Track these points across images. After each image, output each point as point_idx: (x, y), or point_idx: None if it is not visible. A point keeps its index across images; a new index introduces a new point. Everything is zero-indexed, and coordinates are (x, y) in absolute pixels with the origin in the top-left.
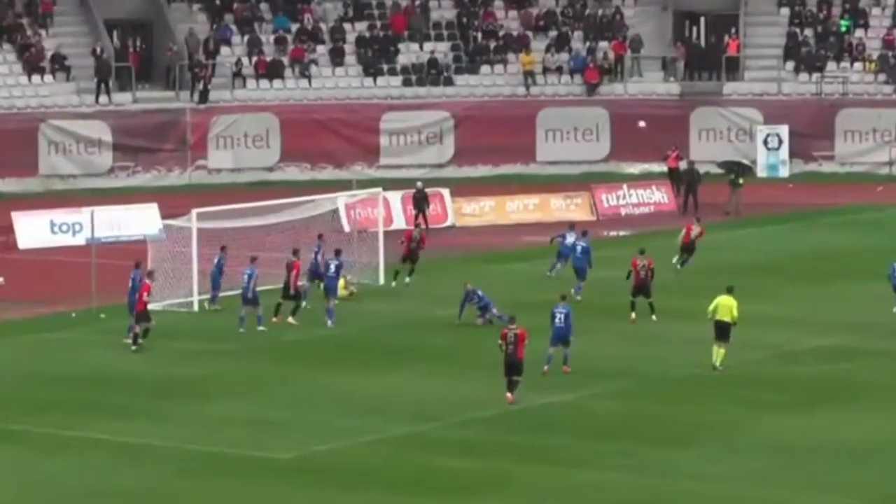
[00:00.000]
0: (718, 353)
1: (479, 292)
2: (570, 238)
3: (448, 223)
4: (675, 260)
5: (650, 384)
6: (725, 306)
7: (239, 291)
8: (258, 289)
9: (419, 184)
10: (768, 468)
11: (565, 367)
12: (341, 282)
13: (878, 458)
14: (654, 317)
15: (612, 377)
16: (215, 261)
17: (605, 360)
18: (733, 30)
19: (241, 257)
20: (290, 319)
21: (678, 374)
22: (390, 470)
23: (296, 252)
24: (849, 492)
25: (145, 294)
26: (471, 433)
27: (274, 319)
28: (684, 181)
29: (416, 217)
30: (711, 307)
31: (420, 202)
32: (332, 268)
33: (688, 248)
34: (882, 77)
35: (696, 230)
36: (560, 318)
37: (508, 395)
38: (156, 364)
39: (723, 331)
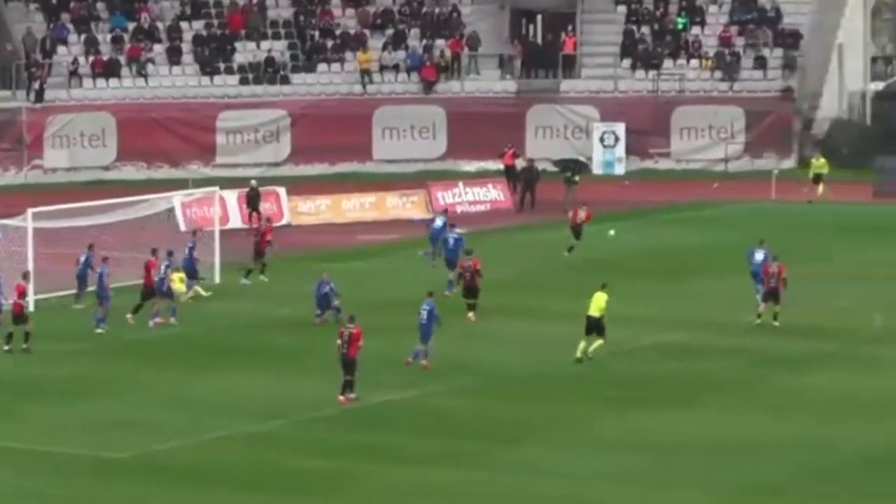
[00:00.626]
0: (593, 344)
1: (332, 284)
2: (440, 221)
3: (284, 222)
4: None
5: (492, 382)
6: (595, 302)
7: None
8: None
9: (253, 182)
10: (621, 464)
11: (410, 360)
12: (197, 288)
13: (723, 453)
14: (470, 314)
15: (453, 375)
16: (82, 259)
17: (444, 358)
18: (570, 27)
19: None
20: (129, 316)
21: (520, 371)
22: (234, 469)
23: (154, 251)
24: (697, 486)
25: (17, 295)
26: (316, 432)
27: (128, 315)
28: (521, 179)
29: (250, 216)
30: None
31: (254, 200)
32: (162, 269)
33: (576, 232)
34: (718, 74)
35: (582, 214)
36: (423, 315)
37: (340, 397)
38: None
39: (592, 324)
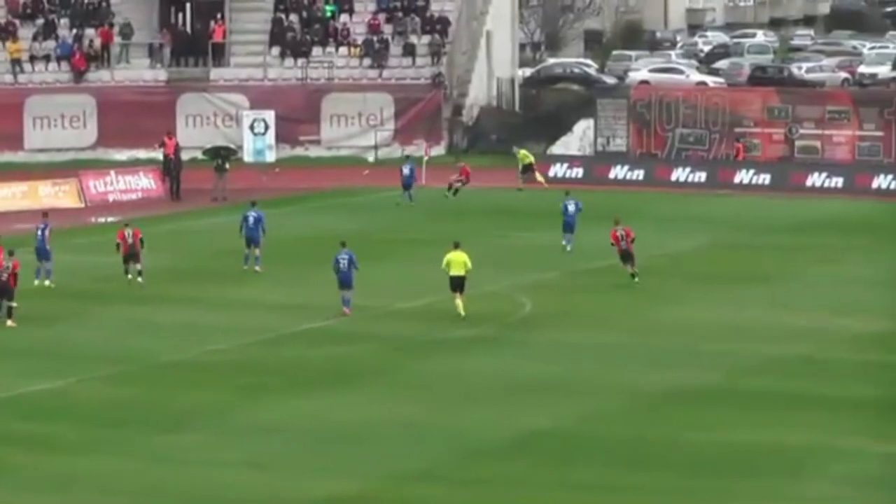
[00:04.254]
0: (459, 303)
1: None
2: (406, 170)
3: None
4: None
5: (140, 370)
6: (458, 261)
7: None
8: None
9: None
10: (267, 452)
11: (345, 308)
12: None
13: (374, 439)
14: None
15: (101, 363)
16: None
17: (92, 346)
18: (219, 16)
19: None
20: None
21: (168, 359)
22: None
23: None
24: (347, 473)
25: None
26: None
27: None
28: (173, 168)
29: None
30: (444, 263)
31: None
32: None
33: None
34: (367, 61)
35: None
36: (343, 264)
37: None
38: None
39: (458, 284)
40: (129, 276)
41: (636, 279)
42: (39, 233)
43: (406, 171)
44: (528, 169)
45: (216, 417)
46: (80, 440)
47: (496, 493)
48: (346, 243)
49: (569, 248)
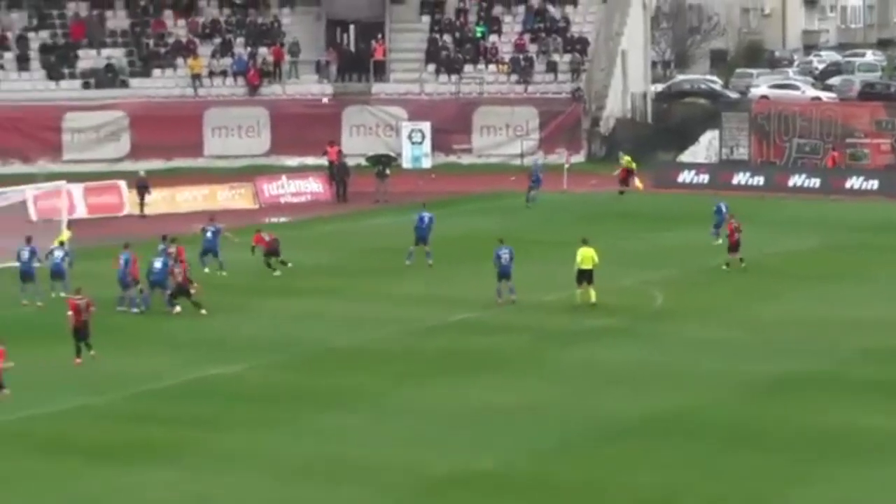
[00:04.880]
0: (587, 293)
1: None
2: (538, 168)
3: (125, 212)
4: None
5: (303, 357)
6: (587, 256)
7: None
8: None
9: (142, 173)
10: (417, 431)
11: (512, 296)
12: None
13: (514, 421)
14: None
15: (268, 351)
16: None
17: (259, 336)
18: (380, 36)
19: None
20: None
21: (329, 347)
22: (82, 439)
23: (126, 246)
24: (488, 450)
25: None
26: (145, 405)
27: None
28: (338, 173)
29: (141, 204)
30: (578, 259)
31: (142, 190)
32: (27, 254)
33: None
34: (514, 77)
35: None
36: (505, 258)
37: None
38: None
39: (586, 276)
40: (273, 270)
41: (743, 264)
42: (210, 234)
43: (538, 168)
44: (630, 173)
45: (372, 400)
46: (248, 420)
47: (624, 470)
48: (504, 240)
49: (720, 241)
